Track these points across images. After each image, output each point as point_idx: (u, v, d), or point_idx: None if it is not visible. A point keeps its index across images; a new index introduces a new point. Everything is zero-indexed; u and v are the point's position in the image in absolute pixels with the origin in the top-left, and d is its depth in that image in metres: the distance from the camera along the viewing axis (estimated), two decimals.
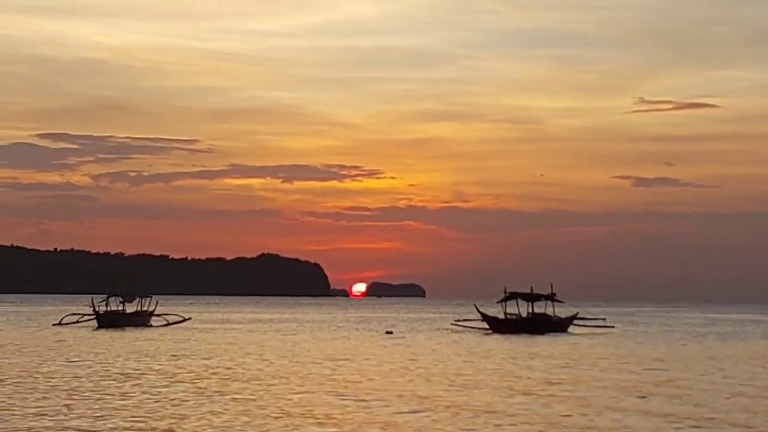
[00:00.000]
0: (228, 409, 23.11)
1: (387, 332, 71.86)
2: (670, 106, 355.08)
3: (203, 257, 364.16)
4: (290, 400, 25.34)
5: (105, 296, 74.58)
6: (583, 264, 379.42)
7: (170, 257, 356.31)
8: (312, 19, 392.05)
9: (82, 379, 30.25)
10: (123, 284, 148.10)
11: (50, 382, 29.39)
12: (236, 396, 25.94)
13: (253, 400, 25.11)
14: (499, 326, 70.54)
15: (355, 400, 25.16)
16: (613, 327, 79.35)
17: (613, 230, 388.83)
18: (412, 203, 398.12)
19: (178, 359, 39.66)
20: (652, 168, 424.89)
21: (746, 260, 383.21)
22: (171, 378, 31.07)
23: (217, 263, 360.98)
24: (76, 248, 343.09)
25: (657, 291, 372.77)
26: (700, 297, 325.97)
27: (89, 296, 79.43)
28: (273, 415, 22.40)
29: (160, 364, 36.59)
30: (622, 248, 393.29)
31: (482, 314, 73.00)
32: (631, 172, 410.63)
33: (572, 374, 34.53)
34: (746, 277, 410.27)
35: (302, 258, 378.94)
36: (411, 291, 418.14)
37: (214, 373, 32.96)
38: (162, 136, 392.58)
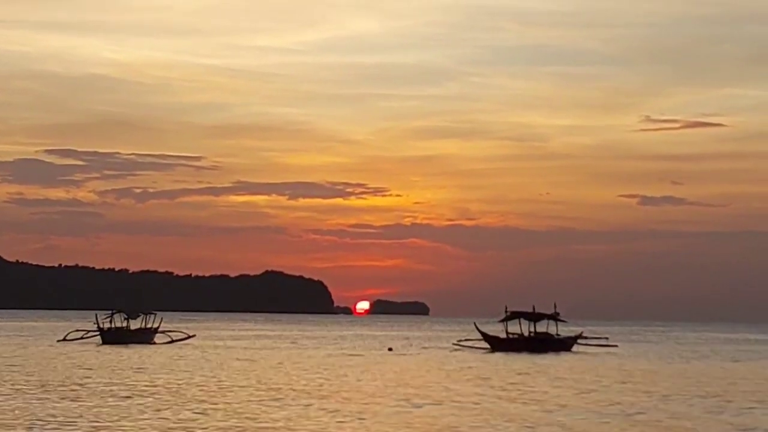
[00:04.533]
0: None
1: (389, 349, 73.05)
2: (676, 124, 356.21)
3: (207, 274, 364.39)
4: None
5: (109, 313, 74.69)
6: (588, 283, 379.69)
7: (175, 274, 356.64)
8: (317, 36, 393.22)
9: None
10: (127, 301, 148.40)
11: None
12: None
13: None
14: (499, 346, 70.55)
15: None
16: (616, 346, 79.44)
17: (619, 249, 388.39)
18: (417, 221, 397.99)
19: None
20: (658, 186, 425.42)
21: (753, 279, 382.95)
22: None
23: (221, 280, 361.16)
24: (80, 264, 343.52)
25: (663, 310, 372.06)
26: (706, 316, 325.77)
27: (93, 312, 79.51)
28: None
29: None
30: (628, 267, 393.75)
31: (482, 333, 72.90)
32: (638, 190, 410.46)
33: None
34: (753, 297, 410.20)
35: (306, 275, 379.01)
36: (415, 309, 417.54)
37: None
38: (167, 153, 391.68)
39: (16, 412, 25.83)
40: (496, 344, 70.86)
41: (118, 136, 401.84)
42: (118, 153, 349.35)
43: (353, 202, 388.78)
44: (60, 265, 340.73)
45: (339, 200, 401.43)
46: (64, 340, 72.98)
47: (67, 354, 56.42)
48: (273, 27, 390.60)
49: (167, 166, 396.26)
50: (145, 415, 25.63)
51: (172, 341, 74.38)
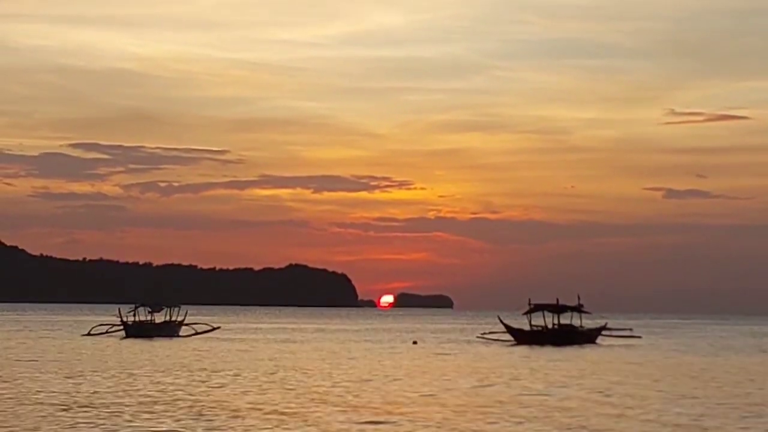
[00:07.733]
0: None
1: (413, 342, 72.76)
2: (701, 117, 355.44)
3: (231, 267, 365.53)
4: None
5: (133, 306, 74.55)
6: (613, 275, 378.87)
7: (199, 267, 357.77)
8: (341, 29, 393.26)
9: None
10: (151, 294, 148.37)
11: None
12: None
13: None
14: (524, 338, 70.33)
15: None
16: (640, 337, 79.17)
17: (644, 242, 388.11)
18: (441, 214, 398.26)
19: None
20: (683, 180, 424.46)
21: None
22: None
23: (245, 273, 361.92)
24: (105, 258, 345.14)
25: (688, 303, 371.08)
26: (731, 309, 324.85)
27: (117, 306, 79.42)
28: None
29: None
30: (652, 260, 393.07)
31: (506, 326, 72.72)
32: (663, 183, 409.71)
33: None
34: None
35: (330, 269, 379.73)
36: (439, 302, 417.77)
37: None
38: (192, 147, 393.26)
39: None
40: (520, 337, 70.66)
41: (143, 130, 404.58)
42: (142, 147, 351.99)
43: (377, 195, 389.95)
44: (84, 258, 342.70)
45: (363, 193, 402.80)
46: (89, 334, 72.92)
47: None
48: (296, 21, 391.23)
49: (192, 160, 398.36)
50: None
51: (197, 333, 74.30)
